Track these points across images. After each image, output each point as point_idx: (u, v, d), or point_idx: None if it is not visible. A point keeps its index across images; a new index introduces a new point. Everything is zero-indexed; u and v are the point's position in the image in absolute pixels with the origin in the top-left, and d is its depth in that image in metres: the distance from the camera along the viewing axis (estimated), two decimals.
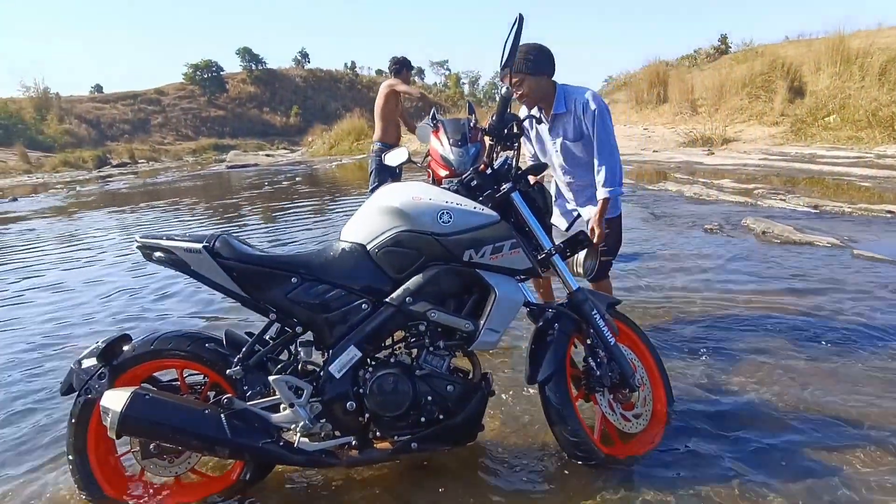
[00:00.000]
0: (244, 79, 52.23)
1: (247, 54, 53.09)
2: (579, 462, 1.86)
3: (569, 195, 2.79)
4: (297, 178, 14.91)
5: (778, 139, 13.10)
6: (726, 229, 5.19)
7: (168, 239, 1.75)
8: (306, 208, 8.87)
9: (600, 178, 2.48)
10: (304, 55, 59.53)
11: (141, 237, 1.78)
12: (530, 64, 2.39)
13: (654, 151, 13.86)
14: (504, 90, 1.76)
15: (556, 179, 2.82)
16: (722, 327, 2.97)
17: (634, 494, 1.74)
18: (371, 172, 5.07)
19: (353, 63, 63.74)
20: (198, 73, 48.46)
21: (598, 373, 1.87)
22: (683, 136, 14.77)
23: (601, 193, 2.48)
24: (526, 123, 2.53)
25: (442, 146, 3.31)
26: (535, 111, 2.54)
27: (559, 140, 2.57)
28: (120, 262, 5.63)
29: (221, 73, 50.08)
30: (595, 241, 2.43)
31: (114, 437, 1.63)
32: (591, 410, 2.01)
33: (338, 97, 53.47)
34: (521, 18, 1.72)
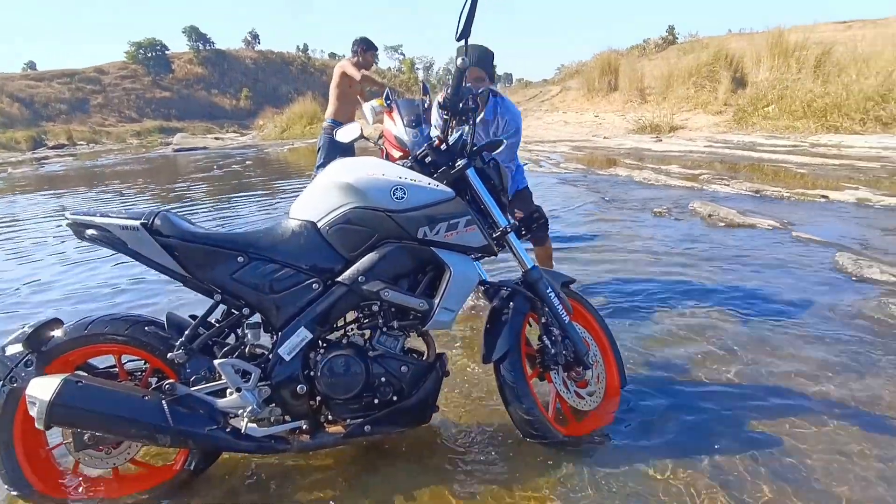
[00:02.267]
0: (191, 59, 50.21)
1: (193, 34, 51.04)
2: (534, 440, 1.87)
3: None
4: (247, 162, 14.45)
5: (722, 127, 13.58)
6: (674, 213, 5.34)
7: (102, 216, 1.63)
8: (257, 190, 8.61)
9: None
10: (255, 36, 57.75)
11: (72, 213, 1.65)
12: (478, 60, 2.61)
13: (604, 138, 14.14)
14: (460, 61, 1.71)
15: None
16: (671, 306, 3.06)
17: (588, 470, 1.76)
18: (319, 149, 4.93)
19: (305, 46, 62.39)
20: (141, 51, 46.21)
21: (553, 351, 1.88)
22: (633, 123, 15.13)
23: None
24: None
25: (396, 126, 3.25)
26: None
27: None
28: (54, 244, 5.30)
29: (167, 52, 47.94)
30: None
31: (42, 429, 1.51)
32: (546, 389, 2.01)
33: (289, 80, 52.12)
34: None
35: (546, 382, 1.95)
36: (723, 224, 4.77)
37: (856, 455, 1.78)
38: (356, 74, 4.92)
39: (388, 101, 3.59)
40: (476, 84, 2.66)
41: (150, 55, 46.37)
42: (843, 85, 11.41)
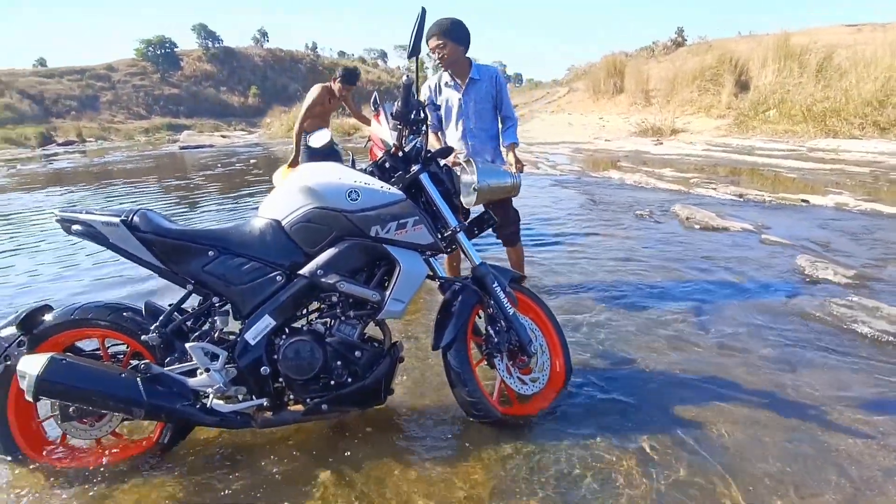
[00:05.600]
0: (200, 56, 50.63)
1: (202, 31, 51.45)
2: (477, 420, 2.05)
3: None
4: (251, 161, 14.70)
5: (722, 131, 13.66)
6: (656, 215, 5.49)
7: (87, 213, 1.83)
8: (254, 189, 8.83)
9: (509, 130, 3.21)
10: (264, 34, 58.10)
11: (60, 211, 1.85)
12: (453, 34, 2.95)
13: (605, 140, 14.26)
14: (405, 78, 1.89)
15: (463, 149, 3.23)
16: (630, 303, 3.23)
17: (525, 449, 1.93)
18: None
19: (314, 44, 62.69)
20: (150, 48, 46.66)
21: (497, 339, 2.05)
22: (635, 126, 15.23)
23: (510, 139, 3.18)
24: (429, 104, 3.15)
25: (382, 129, 3.44)
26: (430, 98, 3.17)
27: (472, 102, 3.14)
28: (54, 240, 5.53)
29: (175, 49, 48.34)
30: (518, 167, 3.04)
31: (31, 400, 1.70)
32: (493, 375, 2.19)
33: (298, 78, 52.41)
34: (423, 11, 1.86)
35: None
36: (698, 227, 4.93)
37: (771, 436, 1.95)
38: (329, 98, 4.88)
39: (376, 106, 3.79)
40: (437, 52, 2.99)
41: (159, 52, 46.83)
42: (843, 90, 11.47)
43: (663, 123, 14.59)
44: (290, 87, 47.19)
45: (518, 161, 3.10)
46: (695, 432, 1.99)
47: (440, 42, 2.95)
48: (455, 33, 2.96)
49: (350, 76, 4.86)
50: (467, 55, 3.07)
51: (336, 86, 4.81)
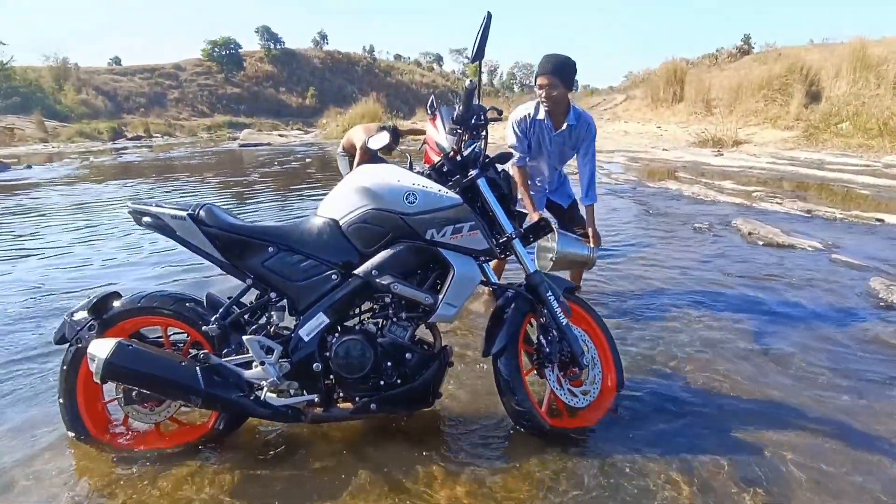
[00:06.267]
0: (262, 57, 52.38)
1: (265, 33, 53.21)
2: (525, 430, 2.01)
3: (542, 186, 3.37)
4: (306, 160, 15.10)
5: (790, 143, 13.05)
6: (716, 229, 5.29)
7: (157, 206, 1.91)
8: (309, 186, 9.05)
9: (591, 188, 3.17)
10: (323, 36, 59.56)
11: (133, 202, 1.95)
12: (565, 76, 2.93)
13: (663, 150, 13.88)
14: (468, 83, 1.89)
15: (539, 172, 3.31)
16: (687, 318, 3.11)
17: (574, 463, 1.88)
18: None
19: (371, 47, 63.80)
20: (216, 49, 48.63)
21: (548, 350, 2.01)
22: (695, 135, 14.75)
23: (591, 199, 3.15)
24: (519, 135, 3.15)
25: (438, 133, 3.46)
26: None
27: (561, 146, 3.16)
28: (123, 228, 5.83)
29: (239, 50, 50.21)
30: (596, 241, 3.00)
31: (98, 382, 1.79)
32: (543, 386, 2.15)
33: (354, 80, 53.54)
34: (489, 16, 1.85)
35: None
36: (762, 243, 4.70)
37: (838, 469, 1.83)
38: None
39: (433, 109, 3.81)
40: (545, 90, 2.94)
41: (224, 53, 48.72)
42: None
43: (725, 134, 14.05)
44: (347, 89, 48.20)
45: (596, 235, 3.04)
46: (754, 460, 1.89)
47: (551, 81, 2.91)
48: (567, 76, 2.93)
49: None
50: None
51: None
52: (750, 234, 4.92)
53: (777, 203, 6.52)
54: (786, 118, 14.72)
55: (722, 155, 12.26)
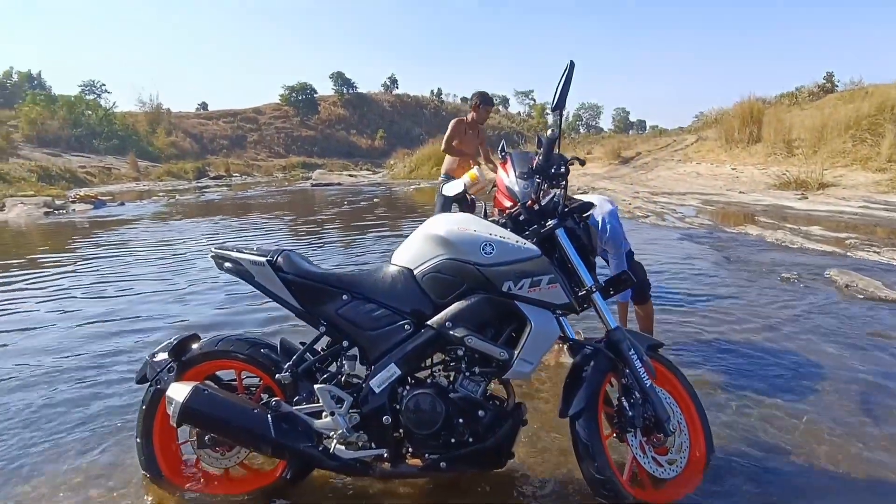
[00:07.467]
0: (335, 101, 55.05)
1: (339, 78, 56.01)
2: (605, 500, 1.85)
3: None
4: (374, 200, 15.50)
5: (883, 186, 12.13)
6: (805, 279, 4.89)
7: (238, 251, 1.96)
8: (378, 225, 9.22)
9: None
10: (394, 81, 62.01)
11: (215, 248, 2.00)
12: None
13: (740, 192, 13.27)
14: (550, 132, 1.84)
15: None
16: (780, 382, 2.83)
17: None
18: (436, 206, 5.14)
19: (439, 90, 65.72)
20: (293, 94, 51.60)
21: (631, 413, 1.86)
22: (775, 178, 14.02)
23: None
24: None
25: (508, 177, 3.43)
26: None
27: None
28: (203, 265, 6.11)
29: (314, 95, 53.05)
30: None
31: (175, 426, 1.81)
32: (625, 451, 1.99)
33: (422, 122, 55.19)
34: (572, 65, 1.81)
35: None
36: (861, 297, 4.29)
37: None
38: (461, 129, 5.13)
39: (504, 154, 3.81)
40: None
41: (300, 98, 51.64)
42: None
43: (809, 176, 13.27)
44: (414, 131, 49.70)
45: None
46: None
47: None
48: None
49: (486, 97, 5.16)
50: None
51: (471, 116, 5.15)
52: (847, 286, 4.52)
53: (875, 252, 6.00)
54: (876, 160, 13.75)
55: (806, 198, 11.56)
